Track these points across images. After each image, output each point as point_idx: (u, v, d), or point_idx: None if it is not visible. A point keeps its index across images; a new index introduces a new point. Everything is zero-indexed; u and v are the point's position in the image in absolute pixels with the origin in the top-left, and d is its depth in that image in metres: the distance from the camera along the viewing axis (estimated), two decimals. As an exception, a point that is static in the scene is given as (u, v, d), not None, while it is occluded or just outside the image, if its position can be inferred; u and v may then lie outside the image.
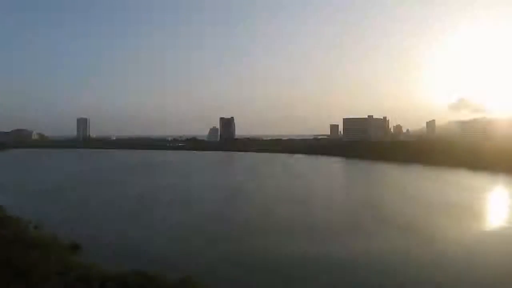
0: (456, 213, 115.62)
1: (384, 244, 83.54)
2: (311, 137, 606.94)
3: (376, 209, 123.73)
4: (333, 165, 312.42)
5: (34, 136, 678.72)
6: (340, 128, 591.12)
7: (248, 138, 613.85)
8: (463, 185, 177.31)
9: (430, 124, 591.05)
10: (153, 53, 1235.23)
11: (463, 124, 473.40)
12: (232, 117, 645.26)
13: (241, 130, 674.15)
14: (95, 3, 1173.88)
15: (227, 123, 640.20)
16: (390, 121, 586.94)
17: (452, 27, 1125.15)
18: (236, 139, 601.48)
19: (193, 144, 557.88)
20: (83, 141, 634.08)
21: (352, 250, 80.00)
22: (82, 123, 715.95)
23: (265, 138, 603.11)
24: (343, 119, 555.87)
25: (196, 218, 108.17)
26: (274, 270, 68.34)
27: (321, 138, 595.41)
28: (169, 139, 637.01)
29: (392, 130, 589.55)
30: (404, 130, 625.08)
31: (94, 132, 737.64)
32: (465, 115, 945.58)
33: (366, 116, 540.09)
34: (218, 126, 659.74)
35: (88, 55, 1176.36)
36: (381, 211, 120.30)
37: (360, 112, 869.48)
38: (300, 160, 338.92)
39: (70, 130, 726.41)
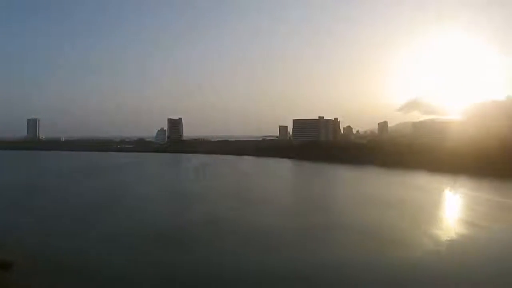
0: (408, 214, 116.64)
1: (334, 249, 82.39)
2: (260, 138, 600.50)
3: (326, 211, 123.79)
4: (283, 166, 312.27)
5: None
6: (289, 129, 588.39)
7: (196, 139, 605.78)
8: (422, 187, 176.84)
9: (382, 125, 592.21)
10: (102, 53, 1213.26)
11: (414, 125, 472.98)
12: (180, 118, 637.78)
13: (189, 131, 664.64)
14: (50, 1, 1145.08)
15: (175, 124, 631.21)
16: (341, 122, 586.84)
17: (403, 28, 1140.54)
18: (184, 140, 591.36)
19: (141, 145, 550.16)
20: (33, 142, 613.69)
21: (297, 257, 77.21)
22: (32, 123, 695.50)
23: (213, 139, 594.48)
24: (293, 120, 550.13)
25: (143, 225, 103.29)
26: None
27: (269, 139, 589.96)
28: (117, 140, 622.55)
29: (342, 131, 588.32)
30: (355, 131, 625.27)
31: (44, 133, 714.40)
32: (416, 117, 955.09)
33: (317, 117, 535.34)
34: (165, 127, 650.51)
35: (37, 55, 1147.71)
36: (331, 213, 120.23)
37: (310, 113, 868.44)
38: (248, 162, 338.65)
39: (21, 131, 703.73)
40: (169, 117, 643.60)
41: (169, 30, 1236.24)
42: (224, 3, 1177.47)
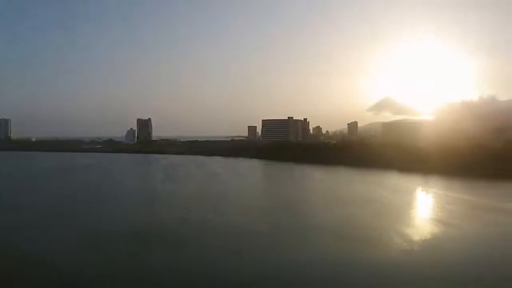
0: (381, 214, 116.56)
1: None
2: (229, 139, 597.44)
3: (298, 212, 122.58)
4: (252, 166, 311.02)
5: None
6: (259, 129, 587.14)
7: (165, 139, 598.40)
8: (393, 187, 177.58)
9: (352, 125, 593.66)
10: (73, 54, 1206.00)
11: (385, 125, 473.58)
12: (149, 118, 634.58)
13: (158, 132, 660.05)
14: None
15: (144, 124, 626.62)
16: (310, 122, 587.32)
17: (374, 29, 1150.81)
18: (153, 140, 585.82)
19: (110, 145, 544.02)
20: (4, 142, 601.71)
21: (273, 258, 76.00)
22: (4, 123, 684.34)
23: (182, 140, 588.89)
24: (262, 120, 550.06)
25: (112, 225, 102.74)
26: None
27: (238, 140, 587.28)
28: (87, 140, 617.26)
29: (311, 131, 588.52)
30: (324, 132, 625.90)
31: (16, 133, 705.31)
32: (386, 117, 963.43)
33: (286, 118, 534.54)
34: (135, 127, 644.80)
35: (8, 54, 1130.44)
36: (303, 214, 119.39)
37: (279, 113, 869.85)
38: (218, 162, 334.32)
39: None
40: (139, 117, 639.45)
41: (138, 31, 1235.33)
42: (193, 6, 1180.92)
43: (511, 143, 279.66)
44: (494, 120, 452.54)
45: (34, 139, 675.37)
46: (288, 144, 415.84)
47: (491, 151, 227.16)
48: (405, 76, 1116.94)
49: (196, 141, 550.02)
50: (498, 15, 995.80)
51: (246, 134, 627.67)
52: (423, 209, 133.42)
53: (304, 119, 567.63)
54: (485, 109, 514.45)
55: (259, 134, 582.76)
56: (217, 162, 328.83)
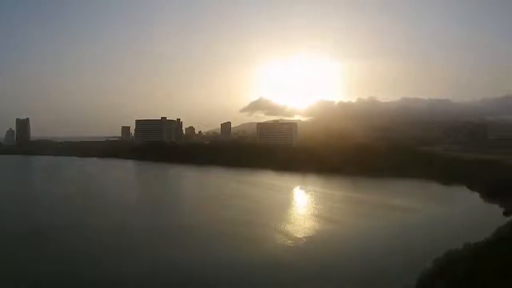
0: (262, 213, 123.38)
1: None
2: (103, 139, 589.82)
3: (175, 212, 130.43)
4: (126, 167, 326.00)
5: None
6: (132, 130, 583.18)
7: (44, 140, 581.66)
8: (270, 186, 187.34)
9: (225, 125, 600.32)
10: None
11: (259, 126, 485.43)
12: (27, 118, 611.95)
13: (38, 132, 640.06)
14: None
15: (23, 125, 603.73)
16: (184, 123, 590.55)
17: (251, 30, 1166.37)
18: (32, 141, 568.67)
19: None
20: None
21: (151, 258, 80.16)
22: None
23: (59, 140, 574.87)
24: (136, 120, 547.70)
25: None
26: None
27: (113, 140, 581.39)
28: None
29: (184, 131, 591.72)
30: (197, 132, 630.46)
31: None
32: (260, 117, 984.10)
33: (159, 118, 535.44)
34: (14, 127, 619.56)
35: None
36: (179, 214, 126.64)
37: (153, 113, 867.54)
38: (93, 163, 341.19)
39: None
40: (17, 117, 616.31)
41: (18, 29, 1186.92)
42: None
43: (390, 141, 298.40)
44: (375, 120, 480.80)
45: None
46: (162, 144, 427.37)
47: (370, 149, 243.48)
48: (280, 78, 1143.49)
49: (72, 142, 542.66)
50: (380, 21, 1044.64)
51: (120, 135, 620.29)
52: (305, 207, 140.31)
53: (177, 119, 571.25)
54: (364, 109, 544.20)
55: (133, 134, 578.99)
56: (92, 163, 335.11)
